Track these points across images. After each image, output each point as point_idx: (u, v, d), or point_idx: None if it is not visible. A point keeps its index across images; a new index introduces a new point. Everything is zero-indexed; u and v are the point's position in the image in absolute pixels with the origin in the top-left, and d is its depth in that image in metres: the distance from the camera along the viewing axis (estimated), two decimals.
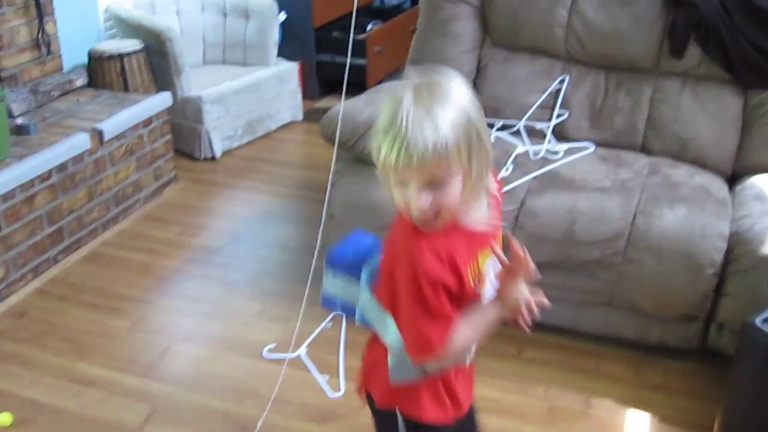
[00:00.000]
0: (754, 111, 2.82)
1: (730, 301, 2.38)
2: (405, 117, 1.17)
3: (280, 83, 4.47)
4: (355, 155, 2.72)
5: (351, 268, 1.51)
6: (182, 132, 4.11)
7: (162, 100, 3.69)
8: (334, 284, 1.56)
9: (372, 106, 2.79)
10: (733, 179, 2.81)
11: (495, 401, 2.39)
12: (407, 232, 1.28)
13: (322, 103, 4.94)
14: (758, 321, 1.88)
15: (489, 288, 1.37)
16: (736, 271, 2.34)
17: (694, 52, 2.85)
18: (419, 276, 1.25)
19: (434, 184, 1.20)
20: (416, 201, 1.21)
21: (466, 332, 1.33)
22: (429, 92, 1.20)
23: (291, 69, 4.57)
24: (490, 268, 1.36)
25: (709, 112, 2.85)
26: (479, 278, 1.35)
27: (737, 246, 2.35)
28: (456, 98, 1.21)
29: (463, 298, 1.32)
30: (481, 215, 1.33)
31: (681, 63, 2.88)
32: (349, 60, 2.46)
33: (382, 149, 1.20)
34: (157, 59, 3.98)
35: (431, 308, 1.27)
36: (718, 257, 2.35)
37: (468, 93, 1.23)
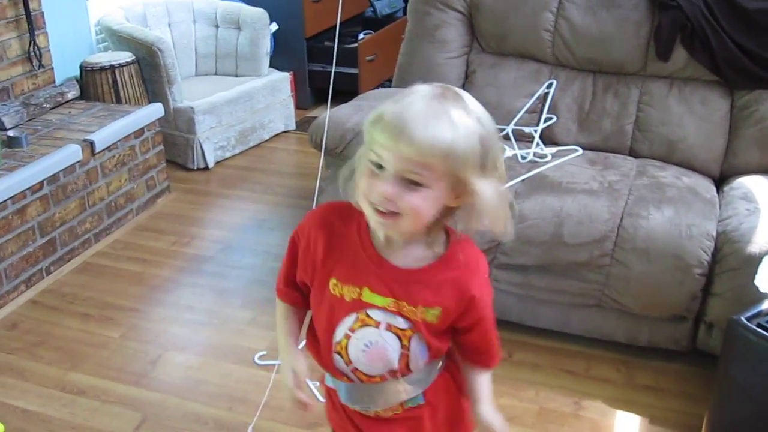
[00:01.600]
0: (741, 112, 2.84)
1: (719, 300, 2.39)
2: (417, 102, 1.11)
3: (272, 93, 4.49)
4: (343, 161, 2.73)
5: None
6: (175, 142, 4.12)
7: (154, 111, 3.71)
8: None
9: (360, 113, 2.80)
10: (720, 180, 2.82)
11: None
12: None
13: (315, 112, 4.96)
14: (744, 318, 1.88)
15: (369, 339, 1.28)
16: (724, 271, 2.35)
17: (680, 55, 2.87)
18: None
19: (410, 182, 1.12)
20: (382, 186, 1.13)
21: (278, 316, 1.45)
22: (454, 95, 1.15)
23: (283, 79, 4.59)
24: (383, 321, 1.27)
25: (696, 113, 2.86)
26: (353, 308, 1.27)
27: (724, 246, 2.36)
28: (480, 115, 1.15)
29: (319, 297, 1.32)
30: (418, 256, 1.25)
31: (667, 65, 2.90)
32: (334, 68, 2.49)
33: (376, 125, 1.13)
34: (148, 70, 4.00)
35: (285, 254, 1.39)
36: (706, 257, 2.36)
37: (489, 119, 1.18)
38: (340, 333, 1.30)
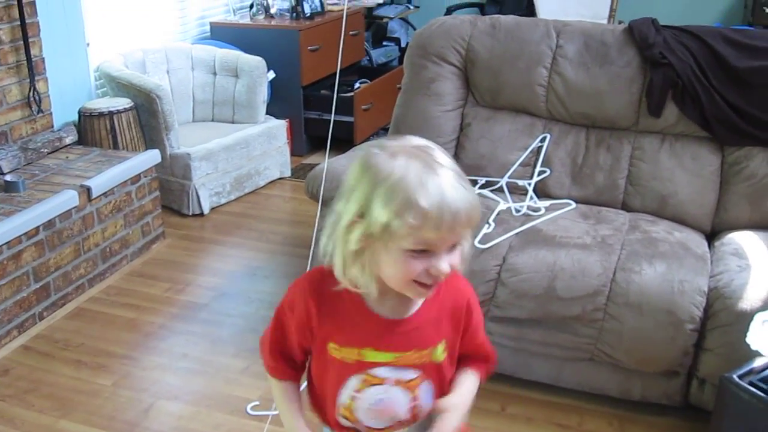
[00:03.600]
0: (731, 168, 2.88)
1: (711, 356, 2.40)
2: (431, 178, 1.11)
3: (268, 140, 4.54)
4: None
5: None
6: (170, 188, 4.15)
7: (151, 158, 3.73)
8: None
9: None
10: (712, 235, 2.85)
11: None
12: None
13: (310, 159, 5.00)
14: (736, 376, 1.90)
15: (376, 398, 1.28)
16: (716, 327, 2.37)
17: (671, 111, 2.92)
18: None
19: (455, 245, 1.17)
20: (441, 266, 1.15)
21: (275, 396, 1.42)
22: (430, 154, 1.15)
23: (279, 126, 4.64)
24: (389, 377, 1.27)
25: (687, 169, 2.91)
26: (355, 370, 1.28)
27: (716, 302, 2.38)
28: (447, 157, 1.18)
29: (318, 363, 1.32)
30: (409, 303, 1.27)
31: (659, 121, 2.95)
32: (333, 118, 2.52)
33: (411, 216, 1.09)
34: (146, 117, 4.04)
35: (268, 329, 1.38)
36: (698, 313, 2.38)
37: None
38: (345, 396, 1.30)
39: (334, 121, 4.03)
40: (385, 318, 1.26)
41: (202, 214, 4.18)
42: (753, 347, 1.99)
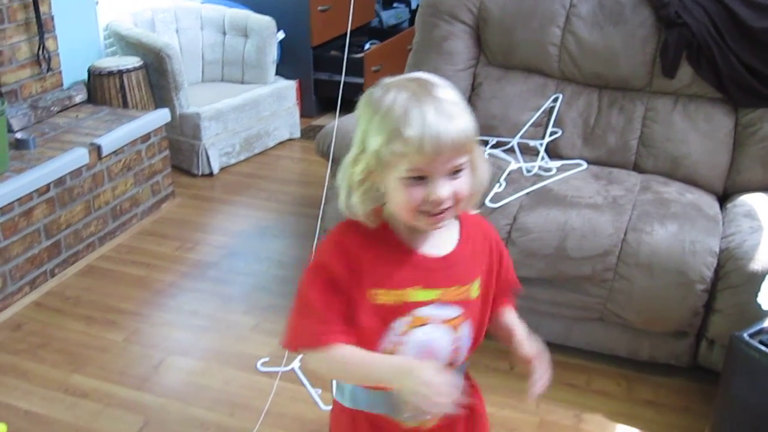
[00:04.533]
0: (745, 129, 2.85)
1: (720, 317, 2.40)
2: (422, 105, 1.14)
3: (277, 101, 4.52)
4: None
5: None
6: (180, 148, 4.14)
7: (160, 117, 3.72)
8: None
9: None
10: (724, 197, 2.84)
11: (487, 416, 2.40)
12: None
13: (320, 120, 4.98)
14: (746, 335, 1.90)
15: (421, 340, 1.26)
16: (726, 288, 2.36)
17: (685, 72, 2.89)
18: (310, 264, 1.27)
19: (453, 173, 1.18)
20: (436, 192, 1.16)
21: (341, 362, 1.24)
22: (429, 82, 1.18)
23: (289, 87, 4.62)
24: (434, 315, 1.26)
25: (700, 130, 2.88)
26: (401, 313, 1.25)
27: (727, 262, 2.37)
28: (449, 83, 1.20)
29: (357, 315, 1.24)
30: (444, 239, 1.28)
31: (673, 82, 2.92)
32: (343, 79, 2.50)
33: (394, 144, 1.14)
34: (156, 76, 4.02)
35: (301, 298, 1.26)
36: (709, 273, 2.37)
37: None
38: (388, 342, 1.26)
39: (345, 82, 4.00)
40: (428, 255, 1.27)
41: (211, 174, 4.18)
42: (764, 307, 1.99)
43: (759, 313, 2.02)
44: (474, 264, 1.31)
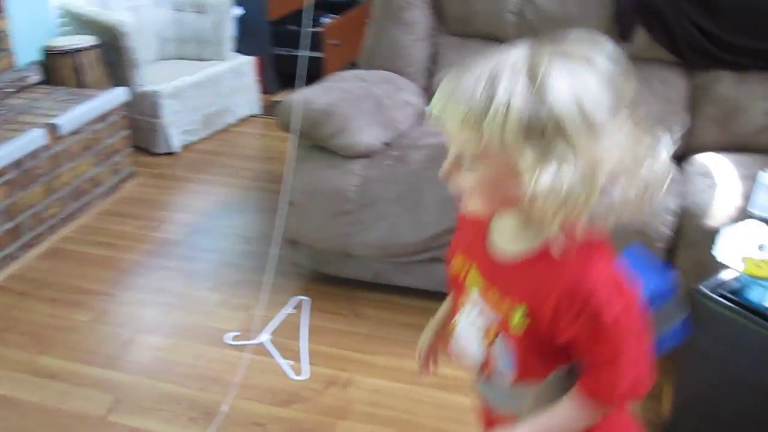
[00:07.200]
0: (700, 92, 2.91)
1: (681, 274, 2.45)
2: (494, 62, 0.95)
3: (236, 77, 4.49)
4: (313, 142, 2.75)
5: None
6: (140, 127, 4.10)
7: (118, 95, 3.68)
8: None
9: (329, 94, 2.82)
10: (681, 158, 2.89)
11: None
12: None
13: (280, 96, 4.94)
14: (705, 288, 1.94)
15: (461, 325, 1.21)
16: (685, 245, 2.42)
17: (641, 35, 2.92)
18: None
19: (461, 160, 1.01)
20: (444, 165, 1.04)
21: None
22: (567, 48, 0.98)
23: (247, 63, 4.59)
24: (476, 296, 1.17)
25: (657, 93, 2.92)
26: (461, 289, 1.20)
27: (685, 220, 2.43)
28: (594, 69, 0.96)
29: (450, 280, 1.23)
30: (511, 235, 1.11)
31: (629, 46, 2.95)
32: (300, 52, 2.49)
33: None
34: (112, 54, 3.96)
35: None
36: (668, 232, 2.42)
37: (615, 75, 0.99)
38: (457, 317, 1.23)
39: (303, 57, 3.98)
40: (495, 246, 1.14)
41: (172, 153, 4.15)
42: (720, 260, 2.03)
43: (716, 268, 2.06)
44: (529, 287, 1.07)
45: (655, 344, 1.11)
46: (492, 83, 0.93)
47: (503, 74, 0.93)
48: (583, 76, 0.95)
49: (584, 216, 0.98)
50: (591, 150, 0.94)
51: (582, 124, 0.93)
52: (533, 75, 0.93)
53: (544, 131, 0.93)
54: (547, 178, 0.94)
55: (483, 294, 1.14)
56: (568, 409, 1.12)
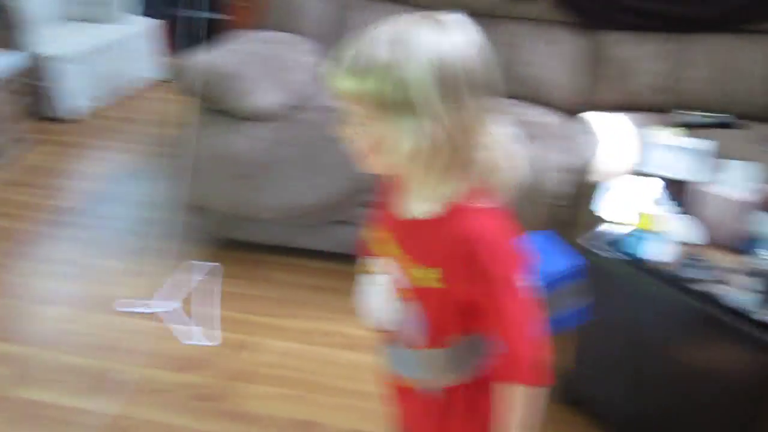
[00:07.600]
0: (600, 52, 2.97)
1: (582, 230, 2.50)
2: (373, 29, 1.04)
3: (139, 41, 4.35)
4: (213, 106, 2.69)
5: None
6: (38, 93, 3.94)
7: (12, 61, 3.53)
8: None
9: (230, 57, 2.76)
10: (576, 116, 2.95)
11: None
12: None
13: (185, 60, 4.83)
14: (582, 240, 1.98)
15: (378, 290, 1.24)
16: (583, 201, 2.47)
17: None
18: None
19: (353, 121, 1.07)
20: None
21: None
22: (424, 17, 1.06)
23: (150, 26, 4.45)
24: (391, 262, 1.20)
25: (557, 54, 2.97)
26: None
27: (580, 177, 2.48)
28: (454, 38, 1.06)
29: None
30: (420, 206, 1.14)
31: (533, 8, 2.99)
32: (204, 14, 2.43)
33: None
34: (2, 16, 3.78)
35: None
36: (568, 189, 2.48)
37: (475, 47, 1.09)
38: (371, 281, 1.28)
39: (208, 19, 3.90)
40: (404, 211, 1.17)
41: (73, 120, 4.01)
42: (597, 214, 2.08)
43: (598, 221, 2.09)
44: (440, 249, 1.11)
45: (550, 322, 1.14)
46: (373, 49, 1.02)
47: (382, 41, 1.03)
48: (453, 48, 1.05)
49: (459, 175, 1.08)
50: (457, 111, 1.04)
51: (447, 89, 1.03)
52: (406, 43, 1.02)
53: (414, 94, 1.01)
54: (415, 136, 1.03)
55: (397, 259, 1.18)
56: (508, 407, 1.13)
